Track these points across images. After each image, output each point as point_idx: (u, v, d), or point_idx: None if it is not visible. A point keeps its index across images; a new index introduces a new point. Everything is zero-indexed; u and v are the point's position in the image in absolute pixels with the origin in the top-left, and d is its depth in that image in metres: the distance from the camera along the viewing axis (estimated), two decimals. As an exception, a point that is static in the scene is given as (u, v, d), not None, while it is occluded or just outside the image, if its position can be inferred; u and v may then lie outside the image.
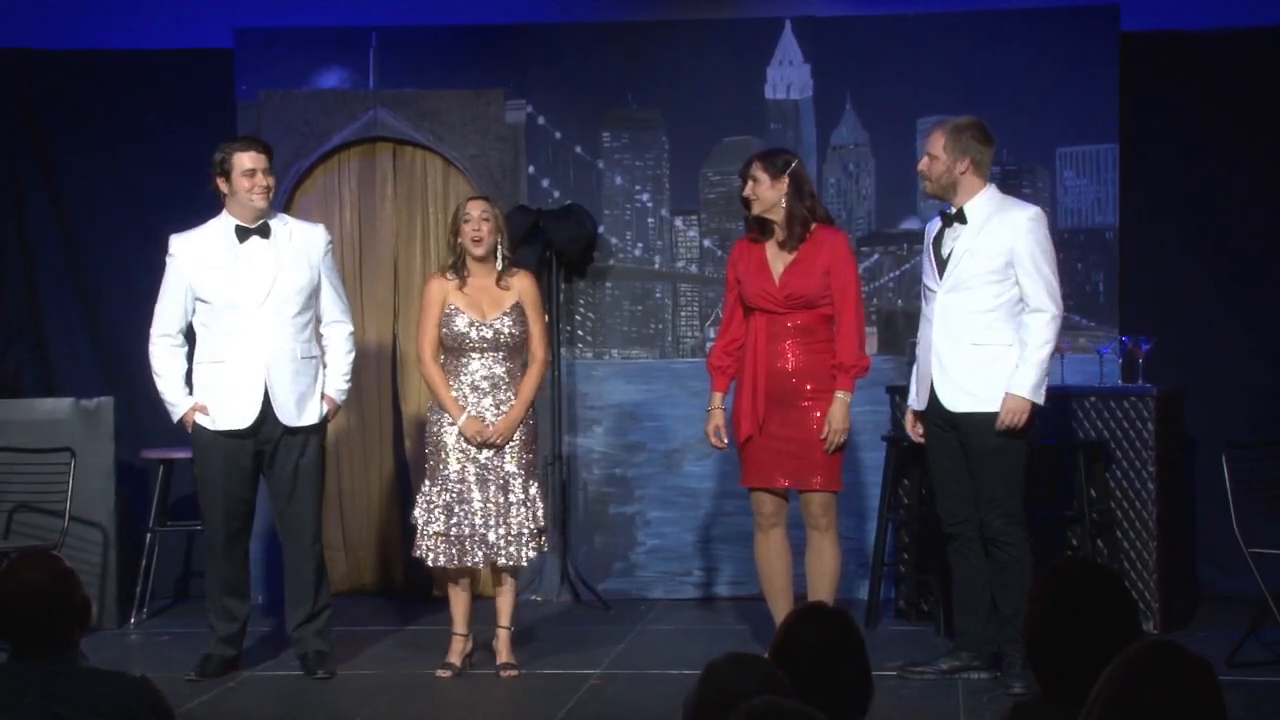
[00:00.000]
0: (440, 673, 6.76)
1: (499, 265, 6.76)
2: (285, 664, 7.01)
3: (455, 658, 6.81)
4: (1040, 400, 6.37)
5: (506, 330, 6.69)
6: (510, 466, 6.69)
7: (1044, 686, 3.32)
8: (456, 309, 6.70)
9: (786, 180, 6.59)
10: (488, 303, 6.72)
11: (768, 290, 6.58)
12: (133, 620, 8.04)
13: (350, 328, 6.94)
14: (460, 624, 6.82)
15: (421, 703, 6.42)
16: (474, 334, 6.68)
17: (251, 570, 7.24)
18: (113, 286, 8.84)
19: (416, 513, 6.76)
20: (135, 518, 8.38)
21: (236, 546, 6.82)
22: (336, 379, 6.86)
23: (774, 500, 6.68)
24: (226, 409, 6.69)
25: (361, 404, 8.69)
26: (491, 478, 6.67)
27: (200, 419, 6.73)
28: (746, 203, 6.65)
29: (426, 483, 6.78)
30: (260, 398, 6.67)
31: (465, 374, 6.71)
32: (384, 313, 8.73)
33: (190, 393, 6.76)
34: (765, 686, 3.11)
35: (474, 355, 6.70)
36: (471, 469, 6.68)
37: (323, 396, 6.81)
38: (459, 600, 6.81)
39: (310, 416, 6.75)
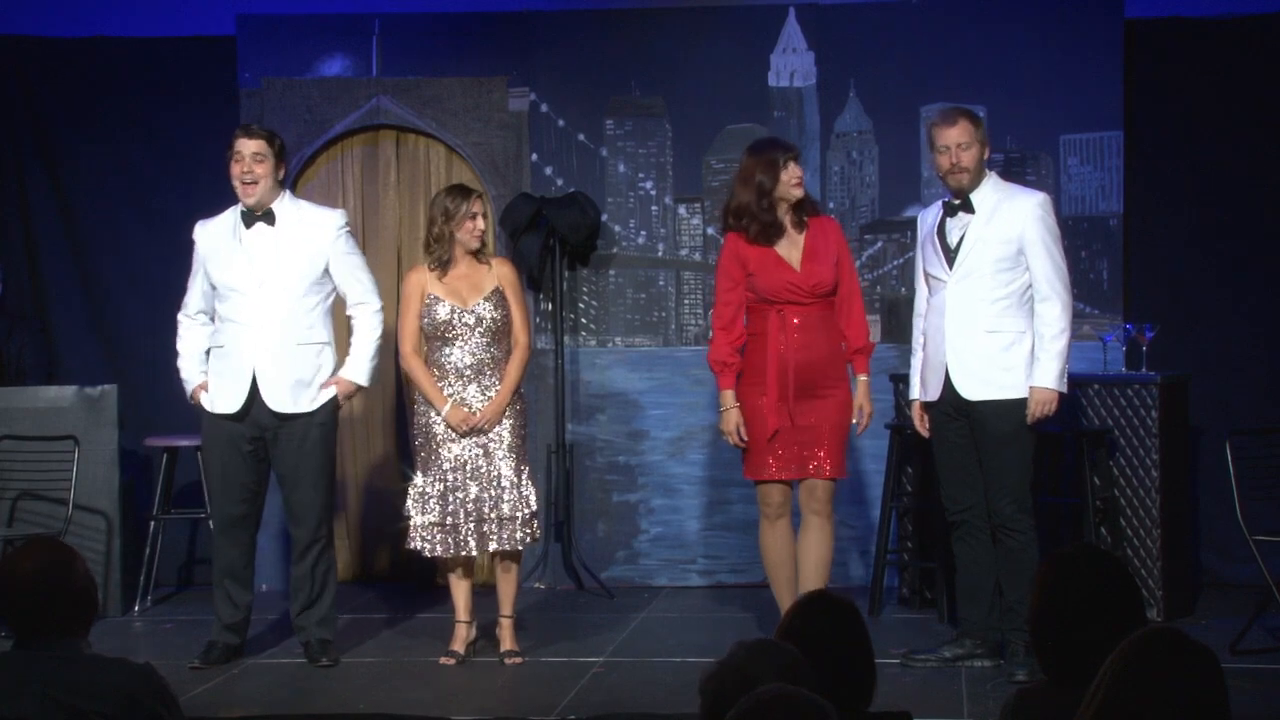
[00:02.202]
0: (444, 660, 6.77)
1: (477, 256, 6.79)
2: (288, 651, 7.02)
3: (459, 645, 6.82)
4: (1064, 389, 6.39)
5: (488, 315, 6.71)
6: (500, 452, 6.69)
7: (1048, 673, 3.32)
8: (437, 298, 6.73)
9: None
10: (467, 289, 6.74)
11: (792, 281, 6.52)
12: (136, 608, 8.05)
13: (377, 305, 6.85)
14: (463, 612, 6.83)
15: (424, 690, 6.42)
16: (456, 320, 6.69)
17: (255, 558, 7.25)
18: (116, 273, 8.85)
19: (409, 505, 6.77)
20: (139, 505, 8.39)
21: (239, 532, 6.81)
22: (359, 360, 6.79)
23: (783, 490, 6.66)
24: (221, 393, 6.73)
25: (366, 391, 8.66)
26: (483, 465, 6.68)
27: (204, 400, 6.77)
28: (775, 193, 6.54)
29: (419, 474, 6.79)
30: (249, 383, 6.68)
31: (449, 361, 6.72)
32: (388, 300, 8.59)
33: (203, 370, 6.83)
34: (784, 673, 3.10)
35: (457, 342, 6.71)
36: (464, 457, 6.69)
37: (334, 381, 6.75)
38: (460, 588, 6.83)
39: (307, 404, 6.72)
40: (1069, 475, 7.48)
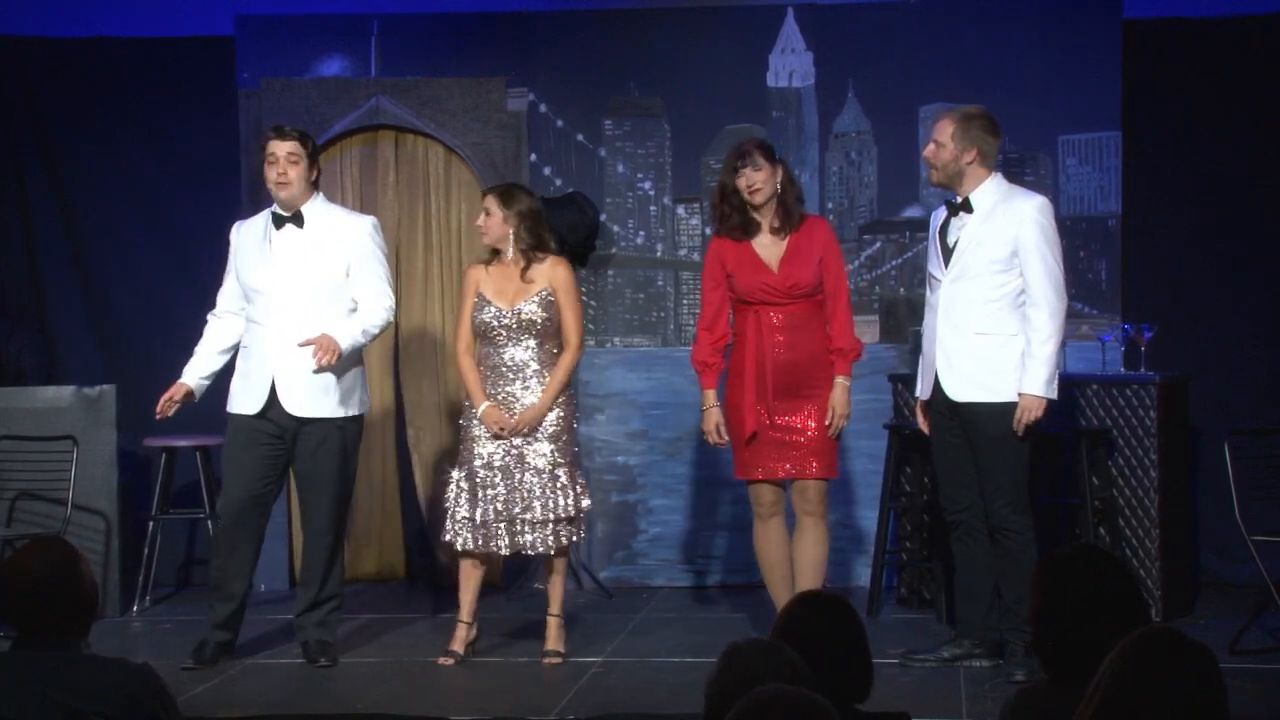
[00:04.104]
0: (442, 660, 6.77)
1: (512, 254, 6.76)
2: (288, 652, 7.02)
3: (458, 645, 6.81)
4: (1054, 395, 6.36)
5: (530, 317, 6.70)
6: (532, 455, 6.68)
7: (1049, 672, 3.32)
8: (484, 298, 6.75)
9: (780, 167, 6.62)
10: (515, 290, 6.74)
11: (769, 283, 6.57)
12: (135, 608, 8.05)
13: (389, 302, 6.78)
14: (466, 611, 6.82)
15: (423, 690, 6.42)
16: (497, 322, 6.70)
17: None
18: (116, 273, 8.85)
19: (448, 497, 6.80)
20: (137, 506, 8.39)
21: (244, 530, 6.76)
22: (350, 325, 6.64)
23: (774, 490, 6.68)
24: (244, 392, 6.73)
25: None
26: (516, 465, 6.68)
27: (230, 402, 6.78)
28: (737, 195, 6.59)
29: (456, 468, 6.80)
30: (268, 384, 6.67)
31: (491, 362, 6.74)
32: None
33: (207, 374, 6.84)
34: (783, 673, 3.11)
35: (501, 342, 6.72)
36: (496, 455, 6.69)
37: (316, 339, 6.60)
38: (468, 585, 6.81)
39: (327, 408, 6.70)
40: (1068, 475, 7.47)
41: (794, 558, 6.65)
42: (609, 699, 6.17)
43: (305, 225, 6.72)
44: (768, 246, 6.62)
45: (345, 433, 6.78)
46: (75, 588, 3.80)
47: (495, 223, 6.75)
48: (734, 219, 6.62)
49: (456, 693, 6.39)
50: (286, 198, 6.70)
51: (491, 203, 6.78)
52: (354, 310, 6.74)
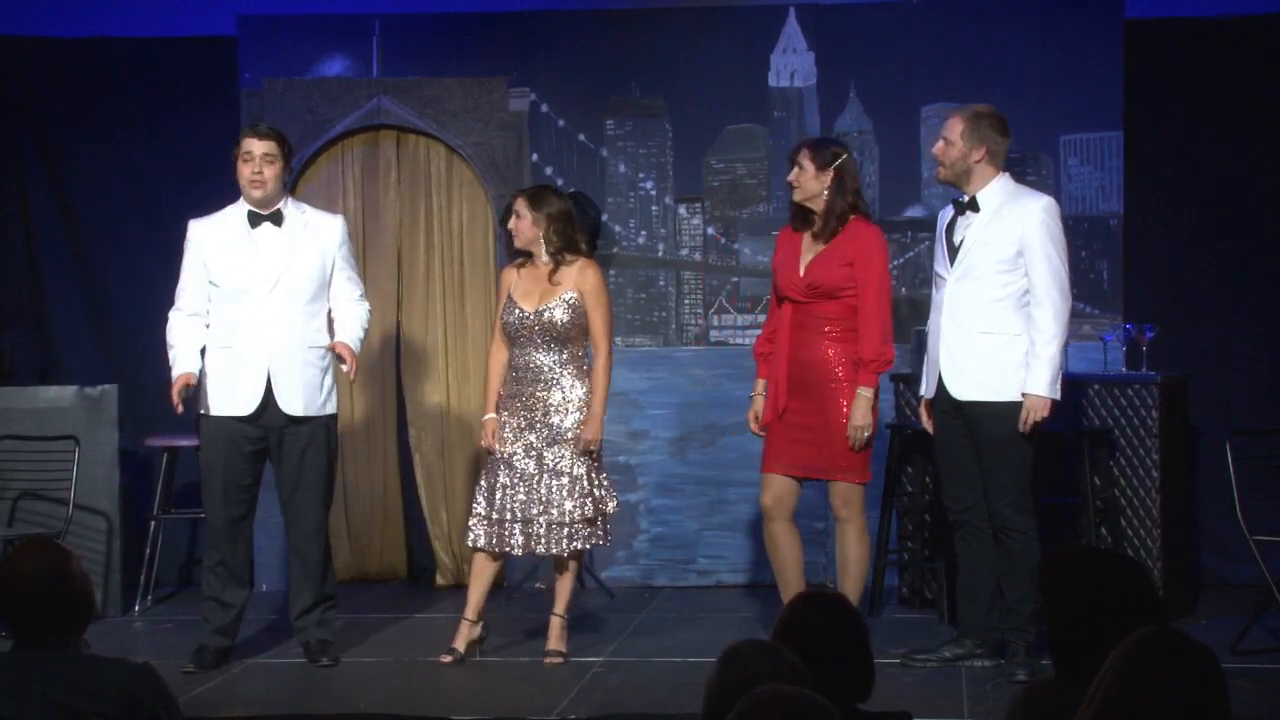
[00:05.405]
0: (443, 658, 6.76)
1: (544, 257, 6.76)
2: (288, 652, 7.02)
3: (460, 643, 6.80)
4: (1057, 395, 6.37)
5: (551, 319, 6.70)
6: (559, 456, 6.68)
7: (1060, 670, 3.32)
8: (512, 300, 6.77)
9: (831, 173, 6.59)
10: (541, 292, 6.75)
11: (793, 280, 6.61)
12: (137, 608, 8.05)
13: (367, 305, 6.89)
14: (472, 610, 6.81)
15: (425, 690, 6.42)
16: (521, 324, 6.71)
17: (255, 559, 7.22)
18: (116, 273, 8.85)
19: (475, 496, 6.81)
20: (139, 505, 8.39)
21: (235, 533, 6.77)
22: (351, 329, 6.75)
23: (783, 484, 6.66)
24: (231, 395, 6.68)
25: (365, 393, 8.69)
26: (537, 467, 6.68)
27: (205, 405, 6.72)
28: (791, 187, 6.69)
29: (484, 467, 6.82)
30: (263, 385, 6.65)
31: (519, 362, 6.75)
32: (388, 301, 8.71)
33: (199, 363, 6.72)
34: (782, 673, 3.11)
35: (525, 344, 6.73)
36: (517, 456, 6.69)
37: (340, 345, 6.68)
38: (477, 583, 6.80)
39: (316, 407, 6.72)
40: (1069, 475, 7.47)
41: (836, 561, 6.77)
42: (610, 699, 6.18)
43: (284, 224, 6.73)
44: (810, 245, 6.65)
45: (329, 431, 6.81)
46: (71, 587, 3.80)
47: (525, 225, 6.75)
48: (794, 209, 6.71)
49: (457, 692, 6.39)
50: (260, 197, 6.69)
51: (522, 205, 6.79)
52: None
